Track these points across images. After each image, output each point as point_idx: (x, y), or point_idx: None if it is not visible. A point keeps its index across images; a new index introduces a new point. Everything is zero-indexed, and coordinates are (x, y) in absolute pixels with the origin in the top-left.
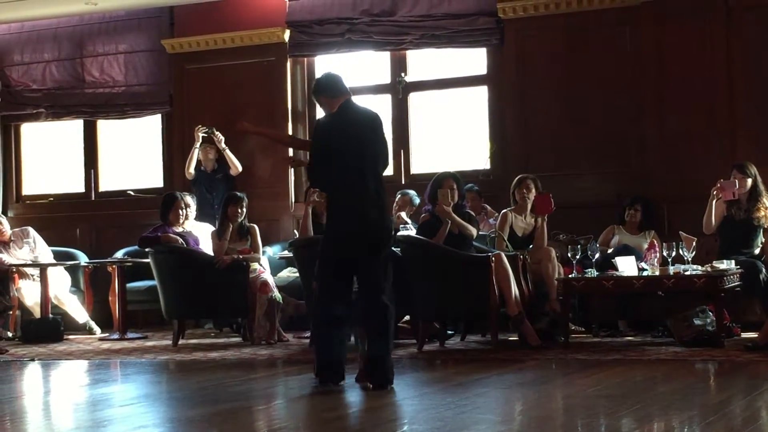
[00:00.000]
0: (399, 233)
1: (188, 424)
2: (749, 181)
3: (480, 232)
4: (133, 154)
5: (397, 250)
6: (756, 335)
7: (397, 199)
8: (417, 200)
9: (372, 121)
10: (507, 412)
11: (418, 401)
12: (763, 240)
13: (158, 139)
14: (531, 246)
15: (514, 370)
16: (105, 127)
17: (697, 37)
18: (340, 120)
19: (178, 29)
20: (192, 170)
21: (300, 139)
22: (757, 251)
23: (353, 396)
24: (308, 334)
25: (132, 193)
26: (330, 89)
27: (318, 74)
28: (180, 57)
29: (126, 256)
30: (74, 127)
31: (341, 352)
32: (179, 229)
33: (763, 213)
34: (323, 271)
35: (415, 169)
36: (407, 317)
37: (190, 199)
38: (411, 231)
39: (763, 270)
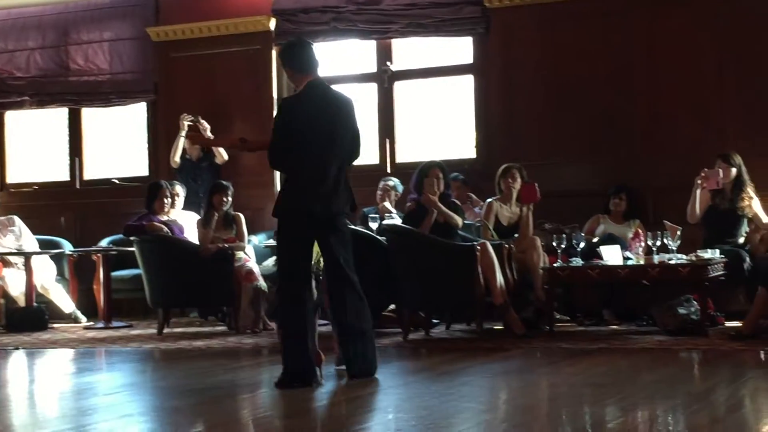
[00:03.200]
0: (384, 222)
1: (173, 413)
2: (734, 170)
3: (465, 222)
4: (118, 142)
5: (382, 239)
6: (740, 324)
7: (379, 187)
8: (400, 188)
9: (346, 107)
10: (492, 400)
11: (404, 390)
12: (748, 229)
13: (143, 128)
14: (516, 235)
15: (500, 359)
16: (90, 115)
17: (687, 26)
18: (309, 103)
19: (163, 17)
20: (177, 159)
21: (252, 141)
22: (741, 240)
23: (338, 384)
24: None
25: (117, 181)
26: (298, 62)
27: None
28: (165, 45)
29: (111, 245)
30: (59, 115)
31: (309, 354)
32: (164, 218)
33: (747, 203)
34: (280, 253)
35: (400, 158)
36: (392, 306)
37: (179, 188)
38: (396, 220)
39: (747, 259)
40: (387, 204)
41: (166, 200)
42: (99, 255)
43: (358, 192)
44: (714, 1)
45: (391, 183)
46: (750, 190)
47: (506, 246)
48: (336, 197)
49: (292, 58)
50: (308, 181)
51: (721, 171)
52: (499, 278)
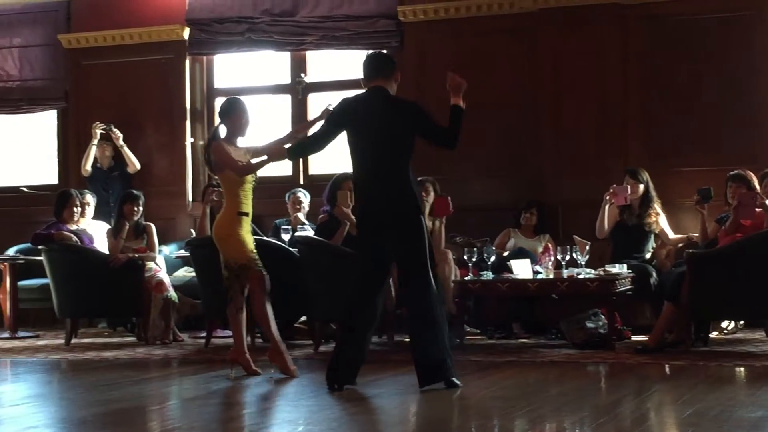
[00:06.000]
0: (296, 234)
1: (80, 425)
2: (641, 186)
3: None
4: (26, 149)
5: (294, 251)
6: (646, 338)
7: (289, 199)
8: (306, 199)
9: (396, 108)
10: (402, 413)
11: (314, 402)
12: (654, 245)
13: (53, 135)
14: None
15: (410, 372)
16: None
17: (592, 45)
18: (358, 101)
19: (74, 24)
20: (89, 167)
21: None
22: (648, 256)
23: (249, 396)
24: (203, 334)
25: (25, 189)
26: (363, 71)
27: (218, 73)
28: (76, 52)
29: (18, 254)
30: None
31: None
32: (74, 227)
33: (654, 218)
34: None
35: (313, 170)
36: (304, 318)
37: (90, 197)
38: (309, 232)
39: (654, 274)
40: (300, 215)
41: (75, 209)
42: (6, 264)
43: (270, 204)
44: (620, 22)
45: (300, 194)
46: (657, 206)
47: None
48: (389, 196)
49: (364, 68)
50: (360, 180)
51: (629, 187)
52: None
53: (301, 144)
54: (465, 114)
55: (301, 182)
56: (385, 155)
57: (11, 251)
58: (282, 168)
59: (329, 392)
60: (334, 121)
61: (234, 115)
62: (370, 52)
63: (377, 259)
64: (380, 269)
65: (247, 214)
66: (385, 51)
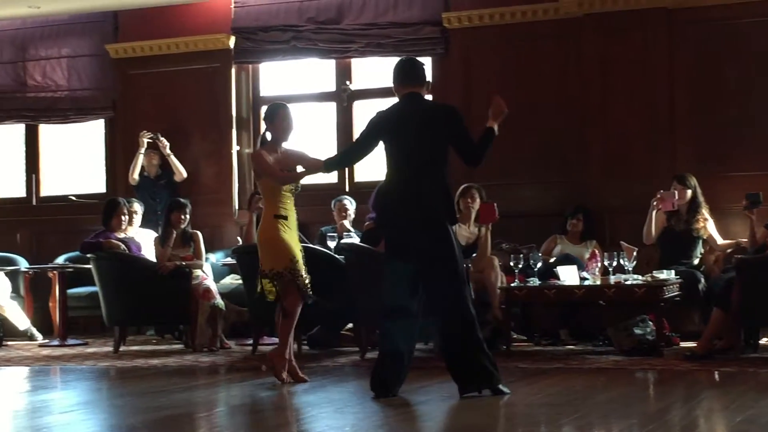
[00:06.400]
0: (342, 241)
1: None
2: (689, 192)
3: None
4: (75, 159)
5: (340, 258)
6: (695, 345)
7: (335, 207)
8: (352, 206)
9: (434, 113)
10: (448, 420)
11: (360, 408)
12: (703, 251)
13: (101, 144)
14: (474, 255)
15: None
16: (47, 131)
17: (639, 49)
18: (394, 111)
19: (122, 34)
20: (136, 176)
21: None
22: (696, 262)
23: (295, 403)
24: (250, 342)
25: (74, 198)
26: (396, 77)
27: (263, 81)
28: (124, 62)
29: (67, 262)
30: (16, 131)
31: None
32: (121, 235)
33: (702, 224)
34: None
35: (359, 177)
36: (350, 325)
37: (137, 205)
38: (354, 239)
39: (702, 280)
40: (346, 223)
41: (123, 217)
42: (55, 272)
43: (316, 211)
44: (668, 26)
45: (346, 201)
46: (705, 212)
47: (464, 265)
48: (422, 194)
49: (394, 74)
50: (396, 182)
51: (676, 192)
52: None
53: (338, 157)
54: (503, 129)
55: (347, 189)
56: (422, 161)
57: (60, 259)
58: (327, 175)
59: (374, 399)
60: (371, 133)
61: (277, 119)
62: (402, 58)
63: (412, 264)
64: (416, 274)
65: (284, 218)
66: (419, 58)
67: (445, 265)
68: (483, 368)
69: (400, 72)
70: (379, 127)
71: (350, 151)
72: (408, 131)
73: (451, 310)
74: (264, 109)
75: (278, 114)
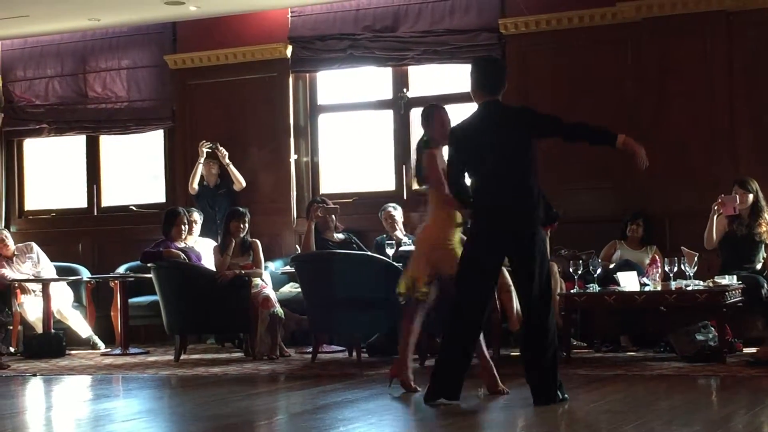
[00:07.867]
0: (401, 248)
1: None
2: (750, 196)
3: None
4: (135, 169)
5: (399, 265)
6: (758, 350)
7: (384, 217)
8: (396, 211)
9: (513, 119)
10: (509, 427)
11: (420, 416)
12: (765, 255)
13: (161, 155)
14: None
15: (517, 386)
16: (107, 142)
17: (698, 52)
18: (471, 123)
19: (180, 45)
20: (195, 185)
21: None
22: (758, 266)
23: (355, 411)
24: (310, 350)
25: (134, 208)
26: (473, 83)
27: (320, 90)
28: (182, 72)
29: (128, 272)
30: (77, 142)
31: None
32: (182, 245)
33: (764, 228)
34: (463, 272)
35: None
36: None
37: (197, 215)
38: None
39: (765, 285)
40: (398, 234)
41: (183, 227)
42: (116, 281)
43: (373, 219)
44: (727, 28)
45: (390, 209)
46: (767, 216)
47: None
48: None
49: (472, 79)
50: (490, 196)
51: (737, 197)
52: (516, 304)
53: (456, 194)
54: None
55: (405, 197)
56: (510, 168)
57: (122, 269)
58: (384, 183)
59: (434, 406)
60: (459, 158)
61: (433, 121)
62: (487, 57)
63: (488, 273)
64: (488, 282)
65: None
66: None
67: (542, 278)
68: (559, 383)
69: (486, 76)
70: (461, 145)
71: (455, 182)
72: (491, 141)
73: (540, 325)
74: (323, 119)
75: (434, 115)
